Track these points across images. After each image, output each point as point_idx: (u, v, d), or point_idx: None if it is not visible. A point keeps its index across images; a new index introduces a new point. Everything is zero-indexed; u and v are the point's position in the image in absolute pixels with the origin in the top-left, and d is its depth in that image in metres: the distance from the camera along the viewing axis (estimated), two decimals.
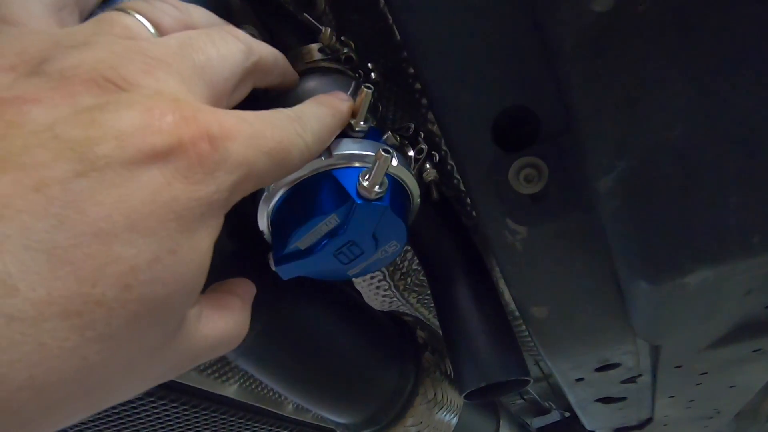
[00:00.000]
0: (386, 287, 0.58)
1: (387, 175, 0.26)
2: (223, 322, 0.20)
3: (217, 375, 0.53)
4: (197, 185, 0.15)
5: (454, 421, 0.46)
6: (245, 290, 0.23)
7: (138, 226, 0.14)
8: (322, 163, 0.26)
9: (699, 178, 0.24)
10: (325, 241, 0.26)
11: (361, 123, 0.27)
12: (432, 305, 0.63)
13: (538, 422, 1.25)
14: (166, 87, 0.16)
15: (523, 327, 0.65)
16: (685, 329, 0.37)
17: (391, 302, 0.61)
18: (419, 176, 0.35)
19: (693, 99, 0.23)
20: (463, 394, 0.35)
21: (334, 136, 0.24)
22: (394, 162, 0.27)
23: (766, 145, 0.23)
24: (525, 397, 1.21)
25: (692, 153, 0.23)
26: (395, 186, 0.28)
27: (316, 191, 0.26)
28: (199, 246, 0.16)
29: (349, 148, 0.26)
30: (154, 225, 0.14)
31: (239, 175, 0.16)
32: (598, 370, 0.47)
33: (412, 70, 0.41)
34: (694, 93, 0.23)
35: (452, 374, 0.44)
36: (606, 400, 0.60)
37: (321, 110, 0.23)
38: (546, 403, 1.19)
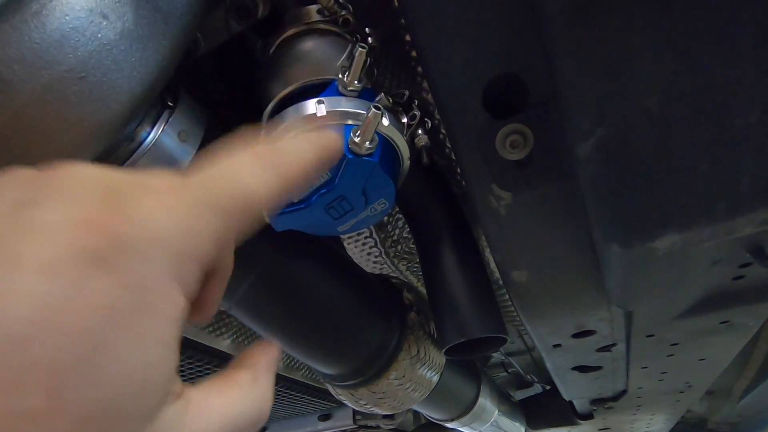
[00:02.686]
0: (377, 254, 0.60)
1: (378, 134, 0.27)
2: (229, 405, 0.18)
3: (212, 329, 0.55)
4: (119, 271, 0.13)
5: (435, 378, 0.49)
6: (257, 359, 0.20)
7: (61, 326, 0.13)
8: (315, 119, 0.27)
9: (671, 146, 0.25)
10: (317, 195, 0.28)
11: (355, 82, 0.28)
12: (420, 273, 0.65)
13: (520, 394, 1.30)
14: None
15: (507, 297, 0.68)
16: (656, 296, 0.39)
17: (381, 268, 0.63)
18: (411, 141, 0.37)
19: (670, 69, 0.24)
20: (444, 349, 0.38)
21: (321, 171, 0.21)
22: (385, 122, 0.28)
23: (735, 115, 0.24)
24: (509, 370, 1.25)
25: (666, 121, 0.25)
26: (386, 145, 0.29)
27: None
28: (144, 338, 0.14)
29: (342, 105, 0.27)
30: (75, 320, 0.13)
31: (179, 249, 0.15)
32: (575, 336, 0.49)
33: (408, 38, 0.42)
34: (671, 63, 0.24)
35: (435, 334, 0.46)
36: (582, 369, 0.63)
37: (304, 144, 0.21)
38: (528, 376, 1.23)
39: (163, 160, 0.28)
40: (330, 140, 0.22)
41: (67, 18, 0.19)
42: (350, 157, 0.26)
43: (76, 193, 0.15)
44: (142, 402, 0.14)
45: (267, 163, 0.18)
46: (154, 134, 0.28)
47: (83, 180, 0.15)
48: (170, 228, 0.15)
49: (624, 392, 0.83)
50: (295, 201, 0.28)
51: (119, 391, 0.13)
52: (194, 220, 0.15)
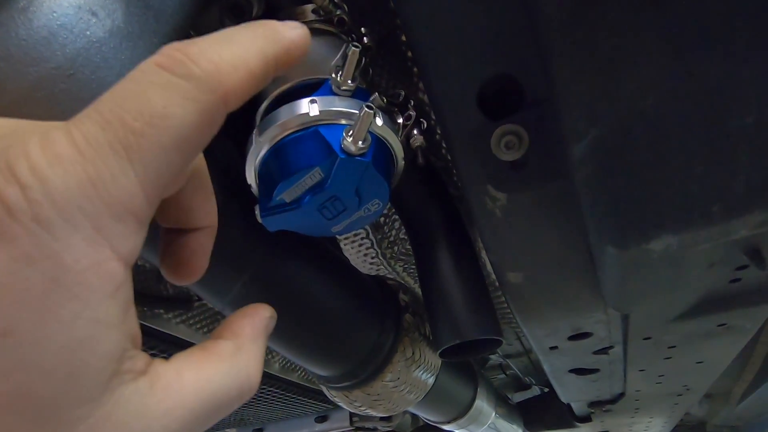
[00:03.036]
0: (373, 255, 0.60)
1: (371, 134, 0.27)
2: (205, 380, 0.16)
3: (206, 330, 0.55)
4: (13, 243, 0.12)
5: (431, 380, 0.49)
6: (242, 327, 0.18)
7: None
8: (308, 118, 0.27)
9: (666, 147, 0.25)
10: (309, 195, 0.27)
11: (349, 82, 0.28)
12: (417, 274, 0.65)
13: (518, 397, 1.29)
14: None
15: (503, 299, 0.68)
16: (652, 299, 0.38)
17: (378, 270, 0.62)
18: (406, 141, 0.36)
19: (665, 70, 0.24)
20: (439, 351, 0.37)
21: (272, 69, 0.16)
22: (379, 122, 0.28)
23: (731, 117, 0.24)
24: (507, 372, 1.25)
25: (661, 123, 0.25)
26: (379, 145, 0.29)
27: (301, 146, 0.27)
28: (57, 318, 0.12)
29: (335, 105, 0.27)
30: None
31: (88, 206, 0.12)
32: (571, 338, 0.49)
33: (404, 38, 0.42)
34: (666, 64, 0.24)
35: (431, 336, 0.46)
36: (579, 371, 0.63)
37: (239, 31, 0.16)
38: (526, 379, 1.23)
39: None
40: (284, 27, 0.17)
41: (54, 14, 0.19)
42: (342, 156, 0.25)
43: None
44: (72, 388, 0.13)
45: (179, 68, 0.14)
46: None
47: None
48: (70, 184, 0.12)
49: (622, 395, 0.82)
50: (288, 201, 0.28)
51: (35, 378, 0.12)
52: (95, 168, 0.12)
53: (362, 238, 0.57)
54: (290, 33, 0.16)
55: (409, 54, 0.42)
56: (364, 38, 0.35)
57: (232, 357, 0.17)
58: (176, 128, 0.13)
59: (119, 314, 0.13)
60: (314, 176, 0.27)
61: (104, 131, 0.13)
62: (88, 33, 0.20)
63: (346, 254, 0.59)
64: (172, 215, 0.18)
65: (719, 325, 0.46)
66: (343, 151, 0.25)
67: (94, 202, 0.12)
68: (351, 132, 0.25)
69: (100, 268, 0.13)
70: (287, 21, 0.17)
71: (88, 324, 0.13)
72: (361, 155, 0.26)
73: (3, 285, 0.12)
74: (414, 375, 0.44)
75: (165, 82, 0.13)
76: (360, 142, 0.25)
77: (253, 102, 0.32)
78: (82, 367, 0.13)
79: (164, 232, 0.19)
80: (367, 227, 0.55)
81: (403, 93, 0.38)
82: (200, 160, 0.19)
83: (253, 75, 0.15)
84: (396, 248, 0.59)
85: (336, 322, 0.38)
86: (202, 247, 0.19)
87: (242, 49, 0.15)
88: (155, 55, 0.14)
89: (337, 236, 0.56)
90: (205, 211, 0.19)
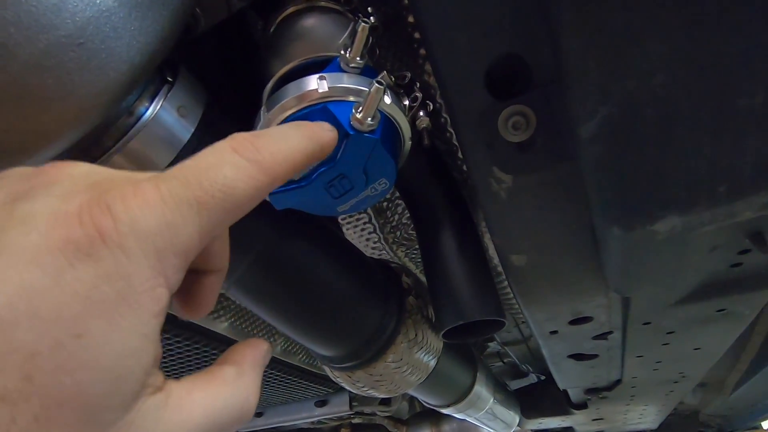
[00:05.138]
0: (376, 239, 0.60)
1: (380, 111, 0.27)
2: (211, 400, 0.18)
3: (210, 312, 0.55)
4: (99, 262, 0.14)
5: (433, 363, 0.49)
6: (244, 355, 0.20)
7: (40, 312, 0.13)
8: (317, 95, 0.26)
9: (675, 126, 0.25)
10: (317, 172, 0.27)
11: (357, 59, 0.28)
12: (419, 260, 0.65)
13: (515, 384, 1.31)
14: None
15: (505, 284, 0.68)
16: (654, 281, 0.39)
17: (380, 254, 0.63)
18: (412, 123, 0.36)
19: (676, 47, 0.24)
20: (442, 332, 0.38)
21: (310, 162, 0.21)
22: (387, 99, 0.28)
23: (740, 97, 0.24)
24: (504, 360, 1.26)
25: (671, 102, 0.25)
26: (387, 124, 0.29)
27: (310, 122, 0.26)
28: (120, 328, 0.14)
29: (344, 81, 0.27)
30: (53, 307, 0.13)
31: (160, 243, 0.15)
32: (572, 323, 0.50)
33: (411, 19, 0.41)
34: (677, 41, 0.23)
35: (433, 319, 0.46)
36: (578, 357, 0.64)
37: (290, 131, 0.21)
38: (524, 366, 1.24)
39: (162, 135, 0.28)
40: (322, 131, 0.22)
41: None
42: (352, 133, 0.25)
43: (65, 187, 0.15)
44: (115, 391, 0.14)
45: (247, 153, 0.18)
46: (153, 109, 0.27)
47: (73, 175, 0.16)
48: (149, 223, 0.15)
49: (618, 382, 0.83)
50: (296, 179, 0.28)
51: (92, 378, 0.14)
52: (172, 214, 0.16)
53: (365, 223, 0.57)
54: (326, 135, 0.22)
55: (415, 35, 0.42)
56: (371, 17, 0.34)
57: (234, 381, 0.19)
58: (237, 198, 0.17)
59: (158, 333, 0.16)
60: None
61: (185, 189, 0.16)
62: (98, 2, 0.20)
63: (349, 239, 0.59)
64: (195, 258, 0.21)
65: (718, 311, 0.47)
66: (352, 127, 0.25)
67: (164, 240, 0.15)
68: (360, 108, 0.25)
69: (154, 292, 0.15)
70: (323, 123, 0.23)
71: (138, 337, 0.15)
72: (370, 132, 0.26)
73: (85, 295, 0.14)
74: (416, 356, 0.45)
75: (236, 162, 0.18)
76: (369, 119, 0.25)
77: (259, 81, 0.32)
78: (127, 374, 0.15)
79: None
80: (370, 211, 0.56)
81: (408, 75, 0.38)
82: None
83: (296, 166, 0.20)
84: (398, 233, 0.60)
85: (340, 303, 0.38)
86: (213, 287, 0.21)
87: (293, 147, 0.20)
88: (229, 140, 0.18)
89: (340, 220, 0.56)
90: (222, 257, 0.21)
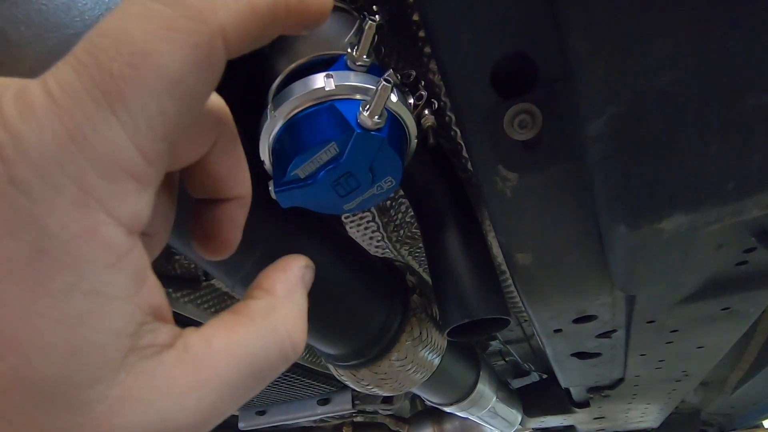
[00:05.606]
0: (379, 238, 0.60)
1: (386, 109, 0.27)
2: (237, 346, 0.14)
3: (213, 309, 0.55)
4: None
5: (437, 361, 0.49)
6: (274, 282, 0.17)
7: None
8: (323, 93, 0.26)
9: (683, 125, 0.25)
10: (324, 170, 0.27)
11: (364, 57, 0.28)
12: (423, 258, 0.65)
13: (517, 383, 1.31)
14: None
15: (509, 283, 0.68)
16: (659, 280, 0.39)
17: (383, 253, 0.63)
18: (418, 121, 0.36)
19: (684, 46, 0.24)
20: (447, 331, 0.38)
21: (280, 12, 0.14)
22: (394, 98, 0.28)
23: (749, 95, 0.24)
24: (507, 359, 1.26)
25: (678, 100, 0.25)
26: (394, 122, 0.29)
27: (316, 120, 0.27)
28: (48, 292, 0.11)
29: (351, 79, 0.27)
30: None
31: (70, 164, 0.11)
32: (576, 321, 0.50)
33: (416, 17, 0.41)
34: (685, 40, 0.23)
35: (438, 317, 0.46)
36: (581, 355, 0.64)
37: None
38: (526, 365, 1.24)
39: None
40: None
41: None
42: (359, 131, 0.25)
43: None
44: (78, 366, 0.11)
45: None
46: None
47: None
48: (45, 140, 0.11)
49: (621, 380, 0.83)
50: (302, 177, 0.28)
51: (32, 357, 0.11)
52: (72, 119, 0.11)
53: (368, 221, 0.57)
54: None
55: (420, 33, 0.42)
56: (377, 16, 0.34)
57: (265, 317, 0.15)
58: (163, 68, 0.11)
59: (127, 286, 0.12)
60: (329, 151, 0.27)
61: (80, 76, 0.11)
62: (107, 0, 0.20)
63: (352, 237, 0.59)
64: (200, 184, 0.17)
65: (723, 309, 0.47)
66: (359, 125, 0.25)
67: (75, 159, 0.11)
68: (368, 107, 0.25)
69: (93, 235, 0.11)
70: None
71: (85, 297, 0.11)
72: (377, 130, 0.26)
73: None
74: (420, 355, 0.45)
75: (148, 12, 0.11)
76: (376, 117, 0.25)
77: (265, 79, 0.32)
78: (85, 344, 0.12)
79: (195, 203, 0.18)
80: (374, 210, 0.56)
81: (414, 73, 0.38)
82: (227, 123, 0.17)
83: (257, 12, 0.13)
84: (402, 232, 0.60)
85: (345, 301, 0.38)
86: (232, 219, 0.17)
87: None
88: None
89: (343, 219, 0.56)
90: (236, 179, 0.17)
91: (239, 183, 0.17)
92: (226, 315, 0.15)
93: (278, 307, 0.16)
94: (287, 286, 0.17)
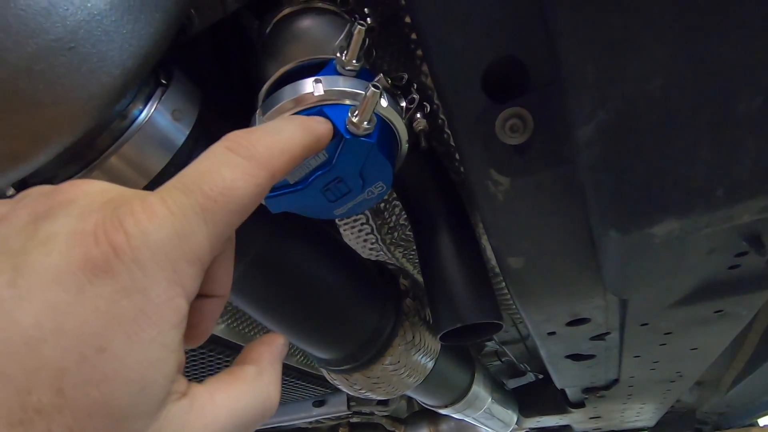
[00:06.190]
0: (373, 241, 0.60)
1: (376, 115, 0.27)
2: (233, 401, 0.18)
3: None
4: (116, 278, 0.15)
5: (430, 364, 0.49)
6: (261, 354, 0.21)
7: (65, 328, 0.14)
8: (312, 98, 0.26)
9: (673, 130, 0.25)
10: (313, 176, 0.27)
11: (354, 62, 0.27)
12: (416, 261, 0.65)
13: (513, 383, 1.31)
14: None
15: (502, 285, 0.68)
16: (652, 284, 0.39)
17: (377, 255, 0.62)
18: (410, 125, 0.36)
19: (674, 51, 0.23)
20: (439, 335, 0.37)
21: (307, 154, 0.21)
22: (384, 103, 0.28)
23: (738, 100, 0.24)
24: (502, 359, 1.27)
25: (668, 105, 0.24)
26: (384, 127, 0.29)
27: None
28: (140, 340, 0.15)
29: (339, 84, 0.26)
30: (77, 324, 0.14)
31: (172, 253, 0.16)
32: (569, 324, 0.50)
33: (408, 20, 0.41)
34: (675, 45, 0.23)
35: (431, 320, 0.46)
36: (576, 357, 0.64)
37: (284, 124, 0.21)
38: (522, 365, 1.24)
39: (156, 138, 0.28)
40: (316, 123, 0.22)
41: None
42: (348, 137, 0.25)
43: (81, 206, 0.16)
44: (141, 401, 0.15)
45: (242, 151, 0.18)
46: (147, 112, 0.27)
47: (89, 193, 0.17)
48: (160, 235, 0.16)
49: (616, 381, 0.83)
50: (291, 183, 0.28)
51: (117, 389, 0.14)
52: (180, 224, 0.16)
53: (362, 224, 0.57)
54: (321, 127, 0.23)
55: (413, 36, 0.42)
56: (368, 18, 0.34)
57: (255, 380, 0.19)
58: (239, 197, 0.17)
59: (179, 342, 0.16)
60: (319, 157, 0.26)
61: (188, 197, 0.16)
62: (89, 5, 0.20)
63: (346, 240, 0.59)
64: None
65: (716, 312, 0.47)
66: (348, 131, 0.25)
67: (177, 251, 0.16)
68: (357, 112, 0.25)
69: (172, 303, 0.16)
70: (318, 117, 0.24)
71: (159, 348, 0.15)
72: (366, 136, 0.26)
73: (105, 310, 0.15)
74: (414, 359, 0.45)
75: (232, 162, 0.18)
76: (365, 123, 0.25)
77: (255, 84, 0.32)
78: (151, 383, 0.15)
79: None
80: (367, 213, 0.55)
81: (406, 76, 0.38)
82: (231, 238, 0.21)
83: (294, 157, 0.20)
84: (396, 234, 0.59)
85: (337, 305, 0.38)
86: (212, 313, 0.21)
87: (288, 139, 0.20)
88: (223, 141, 0.18)
89: (337, 222, 0.55)
90: (224, 281, 0.21)
91: (226, 284, 0.21)
92: (223, 375, 0.19)
93: (264, 373, 0.20)
94: (271, 357, 0.21)
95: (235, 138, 0.19)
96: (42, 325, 0.14)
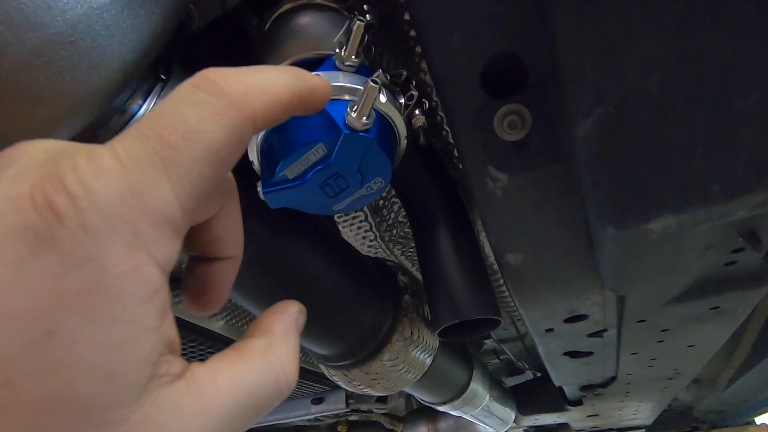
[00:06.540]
0: (372, 238, 0.60)
1: (375, 110, 0.27)
2: (239, 379, 0.16)
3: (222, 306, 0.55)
4: (60, 247, 0.12)
5: (429, 361, 0.49)
6: (272, 324, 0.19)
7: (6, 310, 0.12)
8: None
9: (670, 126, 0.25)
10: (312, 171, 0.27)
11: (353, 57, 0.27)
12: (416, 258, 0.65)
13: (511, 381, 1.31)
14: None
15: (501, 283, 0.68)
16: (649, 280, 0.39)
17: (376, 253, 0.63)
18: (408, 122, 0.36)
19: (671, 48, 0.24)
20: (437, 331, 0.38)
21: (298, 104, 0.18)
22: (383, 98, 0.28)
23: (735, 96, 0.24)
24: (501, 357, 1.27)
25: (665, 101, 0.25)
26: (383, 123, 0.29)
27: (305, 121, 0.26)
28: (97, 320, 0.13)
29: (339, 80, 0.27)
30: (20, 305, 0.12)
31: (128, 214, 0.13)
32: (567, 321, 0.50)
33: (407, 17, 0.41)
34: (672, 42, 0.23)
35: (429, 317, 0.46)
36: (573, 354, 0.64)
37: (269, 67, 0.18)
38: (520, 363, 1.25)
39: None
40: (311, 75, 0.18)
41: None
42: (347, 132, 0.25)
43: (20, 166, 0.13)
44: (110, 389, 0.13)
45: (210, 87, 0.15)
46: (147, 107, 0.27)
47: (30, 151, 0.14)
48: (110, 192, 0.13)
49: (613, 378, 0.84)
50: (290, 178, 0.28)
51: (78, 378, 0.13)
52: (134, 177, 0.13)
53: (361, 221, 0.57)
54: (316, 80, 0.19)
55: (412, 33, 0.42)
56: (367, 15, 0.34)
57: (264, 354, 0.17)
58: (207, 142, 0.14)
59: (156, 319, 0.14)
60: (317, 152, 0.26)
61: (143, 145, 0.14)
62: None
63: (345, 237, 0.59)
64: (200, 243, 0.19)
65: (712, 309, 0.47)
66: (347, 126, 0.25)
67: (133, 210, 0.13)
68: (355, 107, 0.25)
69: (137, 273, 0.13)
70: (316, 73, 0.20)
71: (125, 327, 0.13)
72: (365, 131, 0.26)
73: (50, 287, 0.12)
74: (412, 355, 0.45)
75: (198, 99, 0.15)
76: (364, 118, 0.25)
77: None
78: (119, 368, 0.13)
79: (189, 259, 0.20)
80: (366, 210, 0.55)
81: (405, 73, 0.38)
82: (234, 190, 0.19)
83: (279, 101, 0.16)
84: (394, 231, 0.60)
85: (336, 301, 0.38)
86: (225, 277, 0.19)
87: (271, 78, 0.16)
88: (191, 78, 0.15)
89: (336, 219, 0.56)
90: (233, 242, 0.19)
91: (235, 244, 0.19)
92: (228, 351, 0.17)
93: (276, 346, 0.17)
94: (284, 327, 0.19)
95: (204, 73, 0.15)
96: None
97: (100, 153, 0.13)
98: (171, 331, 0.15)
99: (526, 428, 1.51)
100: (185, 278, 0.19)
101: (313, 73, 0.27)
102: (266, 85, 0.16)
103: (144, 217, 0.13)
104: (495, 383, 0.91)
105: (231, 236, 0.19)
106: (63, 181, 0.13)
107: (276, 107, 0.16)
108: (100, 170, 0.13)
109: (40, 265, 0.12)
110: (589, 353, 0.64)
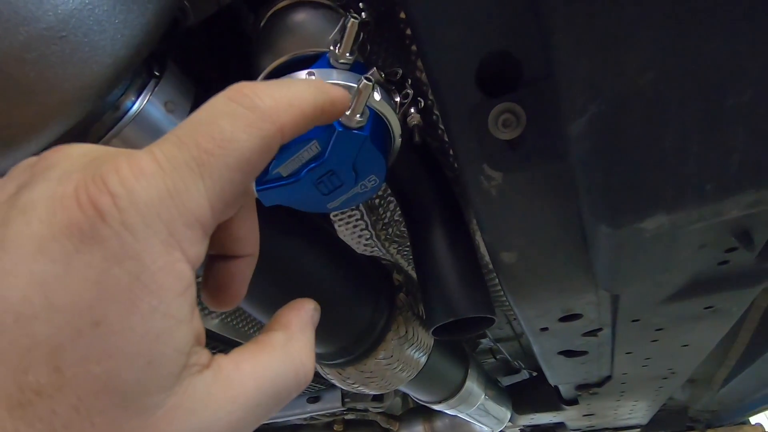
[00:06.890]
0: (368, 236, 0.60)
1: (369, 108, 0.27)
2: (261, 369, 0.17)
3: (200, 308, 0.55)
4: (104, 243, 0.13)
5: (423, 359, 0.49)
6: (290, 319, 0.20)
7: (55, 302, 0.13)
8: None
9: (663, 125, 0.25)
10: (306, 169, 0.27)
11: (347, 55, 0.27)
12: (411, 257, 0.65)
13: (507, 380, 1.32)
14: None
15: (496, 282, 0.68)
16: (642, 279, 0.39)
17: (372, 251, 0.63)
18: (404, 120, 0.36)
19: (665, 46, 0.24)
20: (432, 329, 0.38)
21: (321, 116, 0.19)
22: (377, 96, 0.28)
23: (728, 95, 0.24)
24: (497, 356, 1.27)
25: (659, 100, 0.25)
26: (377, 121, 0.29)
27: None
28: (138, 311, 0.14)
29: (333, 77, 0.27)
30: (68, 297, 0.13)
31: (165, 214, 0.14)
32: (562, 320, 0.50)
33: (403, 15, 0.41)
34: (666, 40, 0.24)
35: (424, 315, 0.46)
36: (568, 353, 0.64)
37: (296, 81, 0.20)
38: (516, 363, 1.25)
39: (149, 130, 0.27)
40: (331, 87, 0.20)
41: None
42: (340, 130, 0.25)
43: (62, 168, 0.15)
44: (150, 376, 0.14)
45: (245, 101, 0.16)
46: (140, 103, 0.27)
47: (71, 155, 0.15)
48: (150, 193, 0.14)
49: (609, 378, 0.84)
50: (284, 175, 0.28)
51: (122, 365, 0.14)
52: (172, 180, 0.14)
53: (357, 220, 0.57)
54: (335, 90, 0.20)
55: (407, 32, 0.42)
56: (363, 13, 0.34)
57: (284, 346, 0.18)
58: (240, 151, 0.16)
59: (188, 312, 0.15)
60: (311, 149, 0.26)
61: (180, 150, 0.15)
62: None
63: (341, 235, 0.59)
64: (219, 242, 0.20)
65: (706, 308, 0.47)
66: (340, 124, 0.25)
67: (170, 210, 0.14)
68: (349, 105, 0.25)
69: (172, 269, 0.14)
70: (333, 83, 0.21)
71: (163, 318, 0.14)
72: (358, 129, 0.26)
73: (96, 280, 0.13)
74: (407, 353, 0.45)
75: (232, 111, 0.16)
76: (358, 116, 0.25)
77: (250, 76, 0.32)
78: (159, 356, 0.14)
79: (208, 258, 0.20)
80: (362, 208, 0.55)
81: (400, 71, 0.38)
82: (251, 194, 0.20)
83: (305, 114, 0.18)
84: (390, 230, 0.60)
85: (330, 299, 0.38)
86: (243, 274, 0.20)
87: (298, 92, 0.18)
88: (226, 90, 0.17)
89: (332, 217, 0.56)
90: (250, 240, 0.20)
91: (252, 242, 0.20)
92: (250, 344, 0.18)
93: (294, 339, 0.19)
94: (301, 322, 0.20)
95: (238, 87, 0.16)
96: (31, 301, 0.13)
97: (140, 156, 0.15)
98: (199, 325, 0.16)
99: (522, 427, 1.52)
100: (205, 276, 0.20)
101: (307, 70, 0.27)
102: (294, 99, 0.18)
103: (179, 217, 0.15)
104: (491, 382, 0.91)
105: (249, 235, 0.20)
106: (106, 182, 0.14)
107: (302, 119, 0.18)
108: (140, 172, 0.14)
109: (85, 261, 0.13)
110: (584, 352, 0.64)
